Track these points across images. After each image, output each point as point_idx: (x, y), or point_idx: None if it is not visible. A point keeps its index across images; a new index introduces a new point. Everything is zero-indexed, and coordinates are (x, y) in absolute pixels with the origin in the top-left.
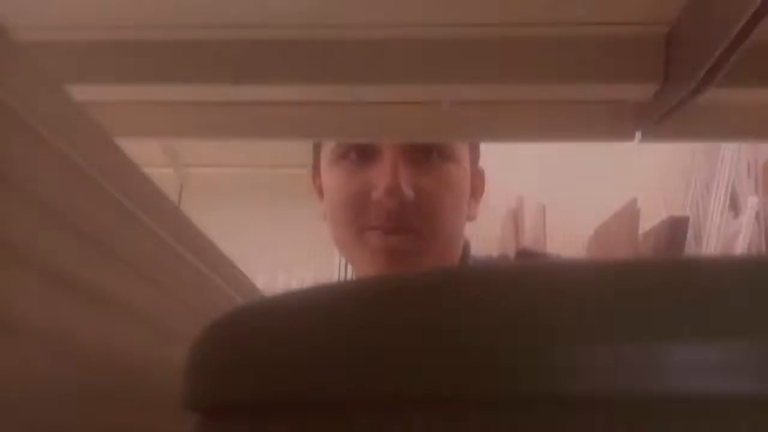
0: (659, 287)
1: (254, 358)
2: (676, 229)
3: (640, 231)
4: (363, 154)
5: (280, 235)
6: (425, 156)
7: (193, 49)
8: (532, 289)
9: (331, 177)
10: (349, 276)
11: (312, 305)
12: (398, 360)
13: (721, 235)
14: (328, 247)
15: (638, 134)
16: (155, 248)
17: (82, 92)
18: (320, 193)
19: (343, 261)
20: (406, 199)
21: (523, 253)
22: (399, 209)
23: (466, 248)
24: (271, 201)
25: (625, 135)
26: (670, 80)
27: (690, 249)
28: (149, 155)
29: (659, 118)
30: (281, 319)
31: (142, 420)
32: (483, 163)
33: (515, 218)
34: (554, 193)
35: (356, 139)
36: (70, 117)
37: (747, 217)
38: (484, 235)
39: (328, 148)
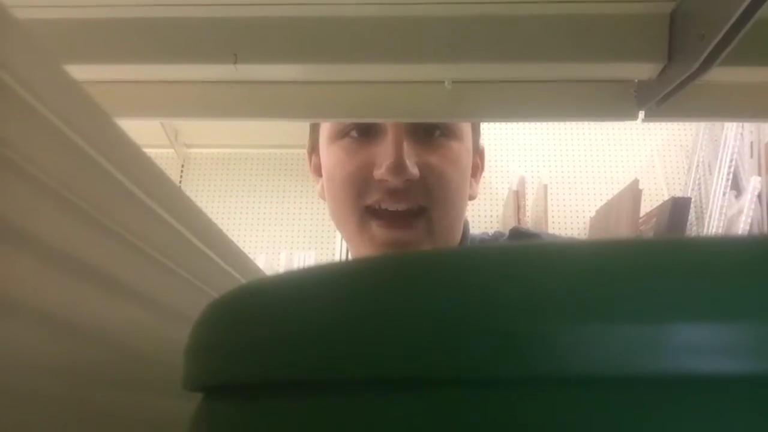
0: (659, 267)
1: (255, 338)
2: (678, 209)
3: (642, 212)
4: (365, 132)
5: (281, 215)
6: (429, 134)
7: (193, 28)
8: (531, 269)
9: (331, 154)
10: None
11: (313, 285)
12: (397, 341)
13: (724, 216)
14: (329, 226)
15: (641, 113)
16: (156, 228)
17: (81, 71)
18: (317, 171)
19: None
20: (410, 176)
21: (516, 233)
22: (403, 187)
23: (465, 227)
24: (272, 181)
25: (628, 114)
26: (674, 59)
27: (692, 229)
28: (150, 135)
29: (662, 97)
30: (282, 299)
31: (146, 400)
32: (485, 143)
33: (517, 198)
34: (556, 173)
35: (358, 118)
36: (70, 96)
37: (749, 198)
38: (486, 214)
39: (328, 124)
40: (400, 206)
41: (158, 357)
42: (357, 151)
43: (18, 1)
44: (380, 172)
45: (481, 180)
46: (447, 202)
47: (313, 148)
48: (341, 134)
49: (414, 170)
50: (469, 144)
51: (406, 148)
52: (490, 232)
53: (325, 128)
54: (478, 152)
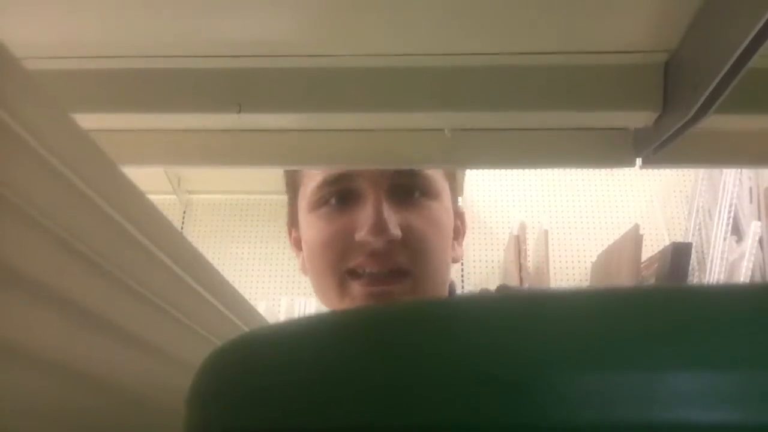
0: (655, 316)
1: (256, 386)
2: (679, 255)
3: (643, 257)
4: (344, 199)
5: (283, 262)
6: (408, 194)
7: (197, 78)
8: (525, 318)
9: (311, 224)
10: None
11: (313, 334)
12: (397, 390)
13: (725, 261)
14: None
15: (638, 160)
16: (158, 275)
17: (88, 120)
18: (297, 245)
19: None
20: (392, 236)
21: (503, 290)
22: (385, 249)
23: (451, 289)
24: (273, 227)
25: (626, 161)
26: (670, 107)
27: (693, 275)
28: (153, 182)
29: (659, 145)
30: (283, 348)
31: None
32: (486, 188)
33: (518, 243)
34: (557, 218)
35: (359, 165)
36: (75, 144)
37: (750, 243)
38: (487, 259)
39: (306, 195)
40: (383, 268)
41: (160, 404)
42: (337, 217)
43: (28, 53)
44: (361, 234)
45: (478, 233)
46: (430, 262)
47: (293, 222)
48: (320, 203)
49: (396, 231)
50: (448, 204)
51: (387, 209)
52: (476, 291)
53: (303, 199)
54: (459, 215)
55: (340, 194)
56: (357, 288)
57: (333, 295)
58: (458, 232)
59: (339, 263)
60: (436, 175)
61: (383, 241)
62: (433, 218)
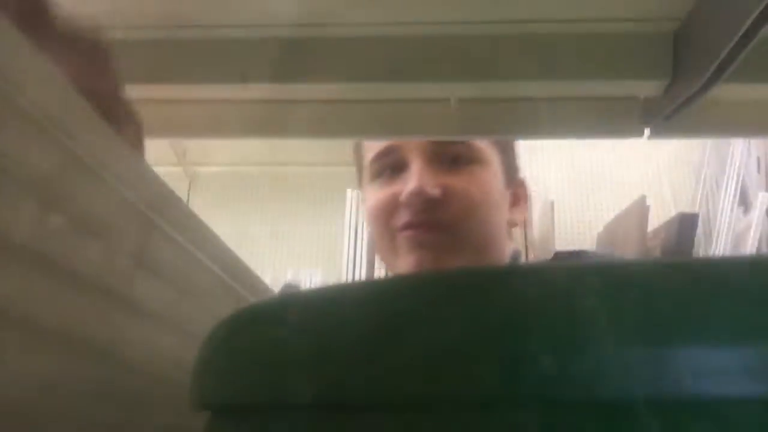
0: (668, 290)
1: (262, 358)
2: (686, 225)
3: (650, 227)
4: (394, 170)
5: (288, 233)
6: (453, 162)
7: (202, 48)
8: (544, 291)
9: (370, 193)
10: (357, 273)
11: (320, 306)
12: (406, 362)
13: (732, 232)
14: (335, 245)
15: (647, 130)
16: (165, 247)
17: None
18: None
19: (350, 259)
20: (430, 197)
21: (559, 257)
22: (425, 207)
23: (515, 256)
24: (279, 199)
25: (634, 131)
26: (679, 76)
27: (700, 245)
28: (158, 153)
29: (668, 114)
30: (289, 321)
31: (153, 418)
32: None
33: None
34: (563, 189)
35: (364, 137)
36: (79, 116)
37: (757, 213)
38: None
39: (367, 168)
40: (425, 223)
41: (166, 375)
42: (387, 186)
43: None
44: (404, 196)
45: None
46: (472, 219)
47: (361, 186)
48: (375, 175)
49: (434, 191)
50: (495, 169)
51: (429, 174)
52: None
53: (365, 171)
54: (518, 183)
55: (392, 166)
56: (404, 241)
57: (388, 254)
58: (517, 199)
59: (389, 224)
60: (482, 145)
61: (421, 201)
62: (477, 181)
